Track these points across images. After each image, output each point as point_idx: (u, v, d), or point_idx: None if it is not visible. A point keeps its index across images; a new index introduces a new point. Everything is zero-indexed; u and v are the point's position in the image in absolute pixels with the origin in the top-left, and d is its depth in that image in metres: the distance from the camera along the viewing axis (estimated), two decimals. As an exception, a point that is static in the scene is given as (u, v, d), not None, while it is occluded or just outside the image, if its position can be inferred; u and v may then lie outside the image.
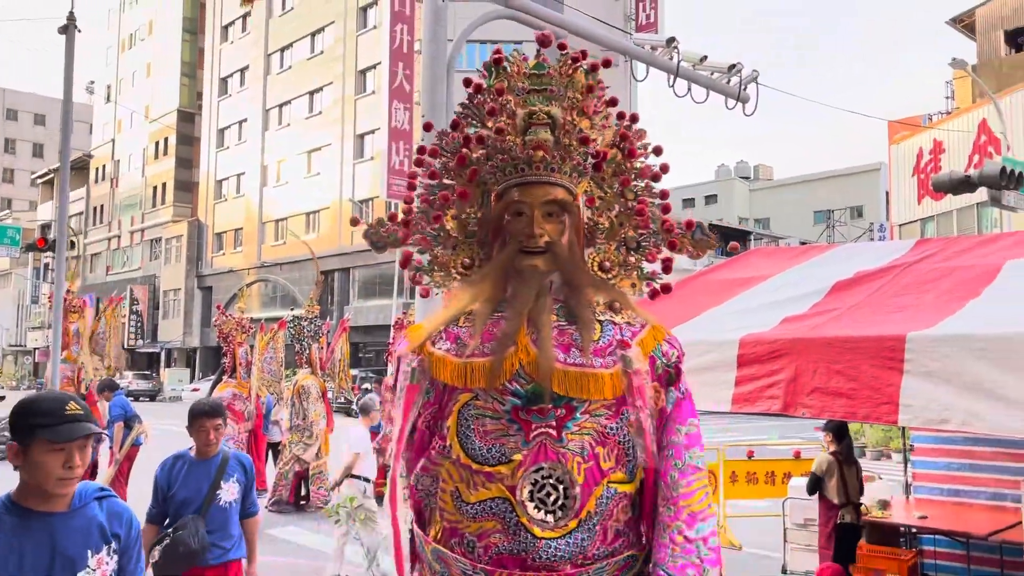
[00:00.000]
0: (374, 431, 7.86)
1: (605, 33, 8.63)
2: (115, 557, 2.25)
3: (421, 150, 2.18)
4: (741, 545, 8.36)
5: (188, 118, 52.21)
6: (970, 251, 4.62)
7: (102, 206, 59.47)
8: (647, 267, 2.11)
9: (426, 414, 1.95)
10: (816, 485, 6.38)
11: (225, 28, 49.27)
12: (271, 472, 11.57)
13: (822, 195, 51.29)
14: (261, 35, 45.64)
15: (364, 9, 39.68)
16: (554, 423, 1.82)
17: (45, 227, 56.44)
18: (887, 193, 31.34)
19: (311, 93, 42.38)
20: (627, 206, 2.08)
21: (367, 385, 26.28)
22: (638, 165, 2.11)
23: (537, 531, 1.78)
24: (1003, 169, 12.39)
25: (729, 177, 58.04)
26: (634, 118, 2.11)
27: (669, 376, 1.98)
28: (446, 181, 2.13)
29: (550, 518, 1.78)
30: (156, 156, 53.80)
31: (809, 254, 5.55)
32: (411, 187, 2.17)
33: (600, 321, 1.95)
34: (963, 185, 12.60)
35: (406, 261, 2.15)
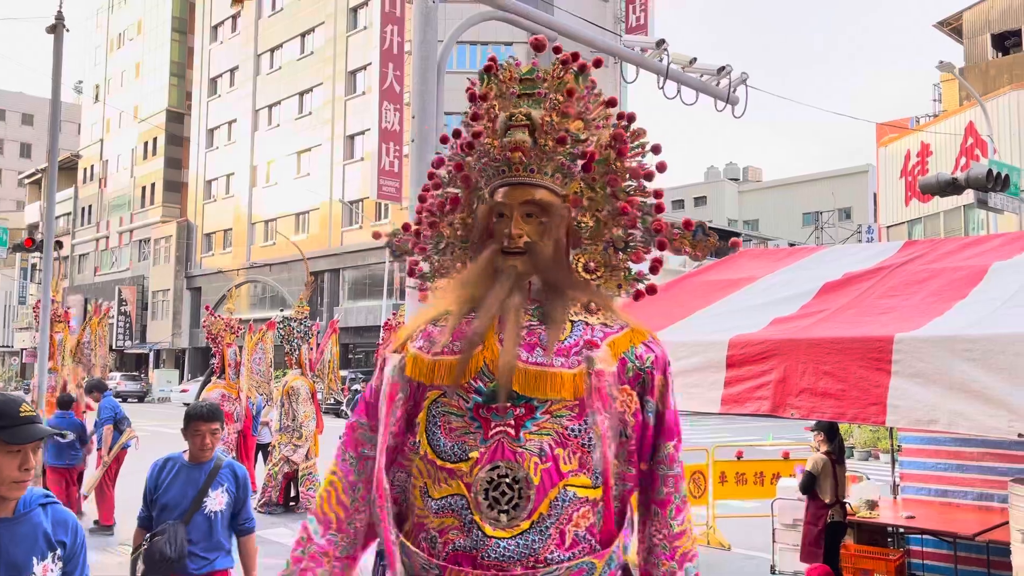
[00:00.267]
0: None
1: (595, 35, 8.65)
2: (60, 564, 2.21)
3: (434, 163, 2.22)
4: (730, 545, 8.39)
5: (177, 118, 51.99)
6: (957, 253, 4.65)
7: (90, 206, 59.15)
8: (636, 268, 2.09)
9: (403, 411, 1.97)
10: (810, 484, 6.43)
11: (215, 28, 49.10)
12: (261, 474, 11.54)
13: (811, 197, 51.50)
14: (251, 35, 45.50)
15: (354, 10, 39.62)
16: (512, 422, 1.82)
17: (33, 227, 56.09)
18: (875, 195, 31.50)
19: (301, 94, 42.28)
20: (616, 206, 2.06)
21: (356, 386, 26.24)
22: (632, 165, 2.08)
23: (488, 529, 1.77)
24: (989, 171, 12.48)
25: (718, 179, 58.23)
26: (631, 118, 2.09)
27: (643, 381, 1.92)
28: (450, 189, 2.16)
29: (503, 517, 1.77)
30: (145, 156, 53.55)
31: (798, 255, 5.58)
32: (421, 199, 2.20)
33: (573, 322, 1.93)
34: (950, 187, 12.68)
35: (412, 270, 2.19)
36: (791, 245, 26.33)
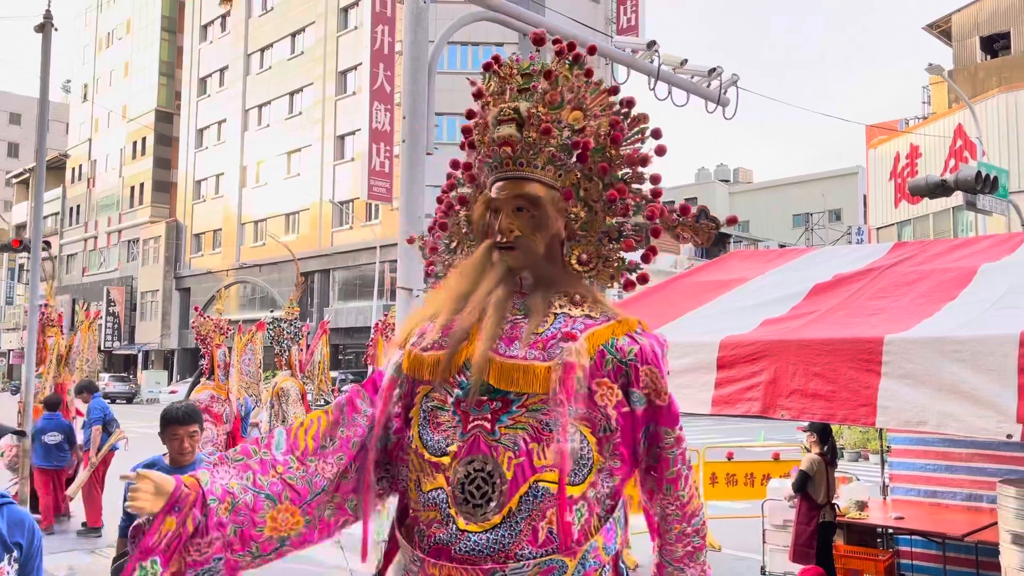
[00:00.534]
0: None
1: (586, 36, 8.65)
2: (15, 567, 2.18)
3: (451, 163, 2.22)
4: (720, 546, 8.40)
5: (166, 118, 51.78)
6: (946, 254, 4.67)
7: (78, 206, 58.82)
8: (628, 257, 2.05)
9: (402, 407, 1.98)
10: (804, 484, 6.47)
11: (204, 27, 48.92)
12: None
13: (801, 198, 51.71)
14: (241, 35, 45.36)
15: (345, 10, 39.55)
16: (489, 416, 1.82)
17: (20, 227, 55.78)
18: (865, 197, 31.65)
19: (291, 94, 42.18)
20: (606, 196, 2.02)
21: (346, 387, 26.14)
22: (627, 151, 2.03)
23: (462, 523, 1.77)
24: (978, 173, 12.54)
25: (709, 180, 58.38)
26: (630, 103, 2.05)
27: (626, 373, 1.87)
28: (463, 189, 2.17)
29: (476, 511, 1.77)
30: (134, 156, 53.30)
31: (788, 257, 5.59)
32: (439, 200, 2.21)
33: (556, 314, 1.91)
34: (939, 189, 12.73)
35: (427, 271, 2.22)
36: (781, 246, 26.41)
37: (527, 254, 1.93)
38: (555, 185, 1.96)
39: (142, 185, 52.27)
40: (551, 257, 1.97)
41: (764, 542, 7.34)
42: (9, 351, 56.08)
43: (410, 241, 2.54)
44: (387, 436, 1.97)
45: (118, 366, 50.01)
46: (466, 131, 2.10)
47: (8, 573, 2.15)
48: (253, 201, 43.75)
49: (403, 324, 2.09)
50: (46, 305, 11.59)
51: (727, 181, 59.53)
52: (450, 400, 1.86)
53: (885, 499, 7.05)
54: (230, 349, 10.76)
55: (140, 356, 49.44)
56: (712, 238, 2.07)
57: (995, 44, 27.82)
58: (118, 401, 34.73)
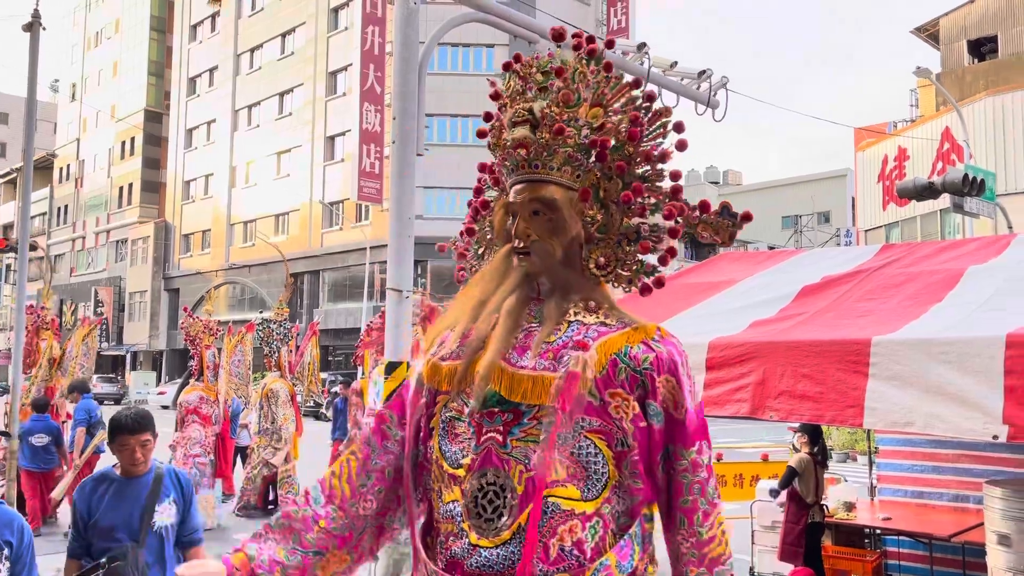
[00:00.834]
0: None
1: (576, 38, 8.64)
2: (7, 565, 2.17)
3: (479, 167, 2.19)
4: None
5: (155, 118, 51.55)
6: (933, 256, 4.70)
7: (66, 206, 58.49)
8: (645, 260, 1.97)
9: (425, 417, 1.93)
10: (791, 480, 6.49)
11: (194, 27, 48.74)
12: (239, 476, 11.44)
13: (790, 200, 51.89)
14: (231, 35, 45.21)
15: (335, 10, 39.47)
16: (501, 428, 1.76)
17: (7, 228, 55.40)
18: (853, 199, 31.81)
19: (281, 94, 42.06)
20: (621, 196, 1.93)
21: (336, 388, 26.10)
22: (646, 148, 1.94)
23: (474, 537, 1.73)
24: (965, 176, 12.63)
25: (699, 182, 58.51)
26: (651, 97, 1.96)
27: (641, 383, 1.75)
28: (488, 194, 2.14)
29: (488, 526, 1.72)
30: (122, 156, 53.04)
31: (777, 259, 5.61)
32: (469, 204, 2.18)
33: (569, 322, 1.84)
34: (927, 192, 12.82)
35: (457, 277, 2.21)
36: (770, 248, 26.50)
37: (544, 259, 1.85)
38: (573, 186, 1.88)
39: (131, 185, 52.03)
40: (569, 261, 1.89)
41: (753, 543, 7.36)
42: (-4, 352, 55.72)
43: (441, 249, 2.52)
44: (418, 448, 1.92)
45: (106, 367, 49.71)
46: (480, 134, 2.03)
47: (0, 571, 2.14)
48: (242, 202, 43.60)
49: (430, 330, 2.02)
50: (42, 307, 11.50)
51: (716, 183, 59.68)
52: (466, 411, 1.81)
53: (873, 500, 7.08)
54: (219, 350, 10.73)
55: (128, 357, 49.21)
56: (734, 236, 1.97)
57: (983, 48, 28.02)
58: (106, 402, 34.52)
